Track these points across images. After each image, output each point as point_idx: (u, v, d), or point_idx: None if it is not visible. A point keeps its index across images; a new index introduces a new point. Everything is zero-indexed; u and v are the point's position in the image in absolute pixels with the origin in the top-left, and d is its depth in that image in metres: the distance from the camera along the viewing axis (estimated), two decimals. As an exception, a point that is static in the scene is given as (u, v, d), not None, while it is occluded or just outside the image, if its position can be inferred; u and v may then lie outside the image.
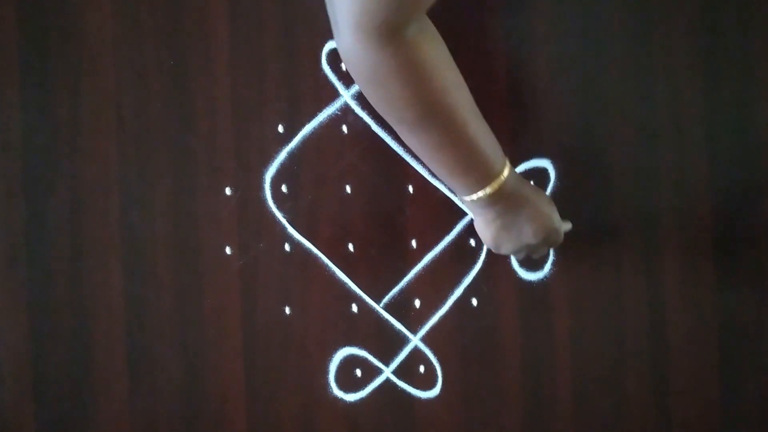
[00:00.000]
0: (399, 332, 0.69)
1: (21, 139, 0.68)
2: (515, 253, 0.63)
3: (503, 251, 0.62)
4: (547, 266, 0.69)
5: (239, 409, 0.68)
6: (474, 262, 0.69)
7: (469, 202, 0.58)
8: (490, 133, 0.56)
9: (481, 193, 0.56)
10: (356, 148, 0.69)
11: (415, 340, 0.69)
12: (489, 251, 0.69)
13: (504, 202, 0.58)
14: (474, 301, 0.69)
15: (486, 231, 0.61)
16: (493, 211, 0.59)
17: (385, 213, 0.69)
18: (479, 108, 0.55)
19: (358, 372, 0.69)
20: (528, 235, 0.60)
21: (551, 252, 0.69)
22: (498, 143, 0.57)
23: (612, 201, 0.70)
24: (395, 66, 0.48)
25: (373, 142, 0.69)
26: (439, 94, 0.51)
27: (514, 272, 0.69)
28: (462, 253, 0.69)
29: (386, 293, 0.69)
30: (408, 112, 0.51)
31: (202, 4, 0.68)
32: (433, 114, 0.51)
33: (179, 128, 0.68)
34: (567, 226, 0.66)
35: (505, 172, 0.57)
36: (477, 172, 0.55)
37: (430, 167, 0.58)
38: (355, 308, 0.69)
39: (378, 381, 0.69)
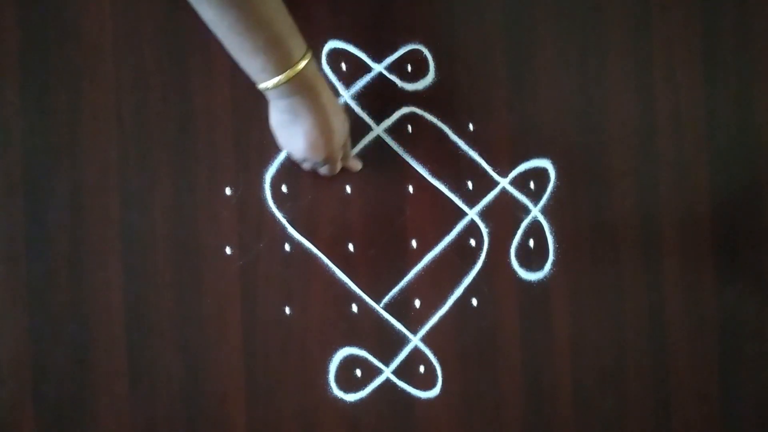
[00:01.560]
0: (399, 332, 0.69)
1: (21, 139, 0.68)
2: (293, 157, 0.63)
3: (280, 146, 0.63)
4: (547, 266, 0.69)
5: (239, 409, 0.68)
6: (474, 262, 0.69)
7: (264, 90, 0.56)
8: (289, 20, 0.54)
9: (270, 83, 0.54)
10: (356, 148, 0.69)
11: (415, 340, 0.69)
12: (489, 251, 0.69)
13: (291, 100, 0.57)
14: (474, 301, 0.69)
15: (271, 122, 0.61)
16: (279, 104, 0.58)
17: (385, 213, 0.69)
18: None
19: (358, 372, 0.69)
20: (298, 146, 0.60)
21: (551, 252, 0.69)
22: (298, 33, 0.55)
23: (612, 201, 0.70)
24: None
25: (373, 142, 0.69)
26: None
27: (514, 272, 0.69)
28: (462, 253, 0.69)
29: (386, 293, 0.69)
30: None
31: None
32: None
33: (179, 128, 0.68)
34: (356, 164, 0.67)
35: (301, 65, 0.54)
36: (272, 57, 0.53)
37: (228, 49, 0.54)
38: (355, 308, 0.69)
39: (378, 381, 0.69)
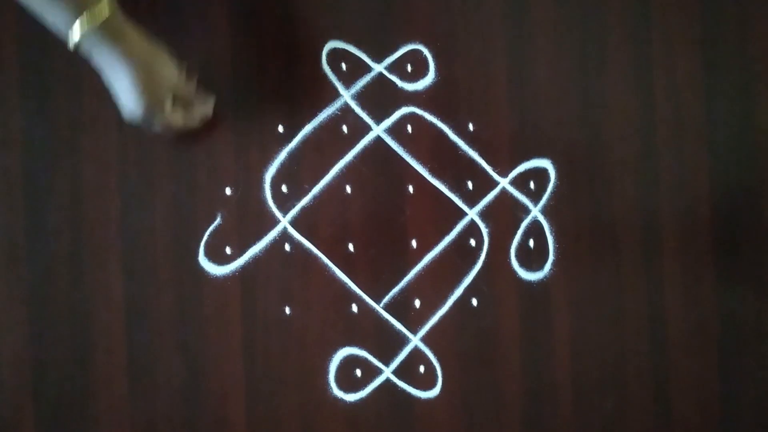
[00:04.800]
0: (399, 332, 0.69)
1: (21, 139, 0.68)
2: (128, 115, 0.60)
3: (123, 113, 0.60)
4: (547, 266, 0.69)
5: (239, 409, 0.68)
6: (474, 262, 0.69)
7: (75, 48, 0.54)
8: None
9: (75, 34, 0.53)
10: (356, 148, 0.69)
11: (415, 340, 0.69)
12: (489, 251, 0.69)
13: (104, 54, 0.55)
14: (474, 301, 0.69)
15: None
16: (96, 64, 0.56)
17: (385, 213, 0.69)
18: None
19: (358, 372, 0.69)
20: (125, 99, 0.58)
21: (551, 252, 0.69)
22: None
23: (612, 201, 0.70)
24: None
25: (373, 142, 0.69)
26: None
27: (514, 272, 0.69)
28: (462, 253, 0.69)
29: (386, 293, 0.69)
30: None
31: (202, 4, 0.68)
32: None
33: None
34: (206, 108, 0.64)
35: (100, 6, 0.53)
36: (65, 3, 0.52)
37: (31, 9, 0.53)
38: (355, 308, 0.69)
39: (378, 381, 0.69)
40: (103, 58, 0.56)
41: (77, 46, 0.55)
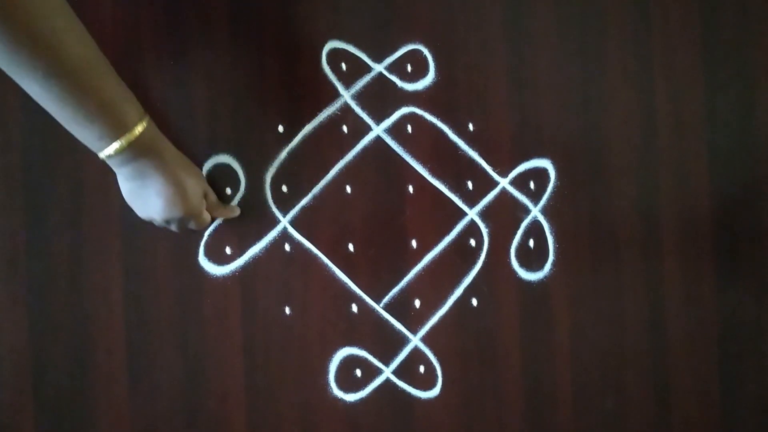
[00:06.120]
0: (399, 332, 0.69)
1: (21, 139, 0.68)
2: (156, 222, 0.63)
3: (140, 216, 0.62)
4: (547, 266, 0.69)
5: (239, 409, 0.68)
6: (474, 262, 0.69)
7: (106, 160, 0.56)
8: (121, 85, 0.55)
9: (110, 150, 0.54)
10: (356, 148, 0.69)
11: (415, 340, 0.69)
12: (489, 251, 0.69)
13: (135, 165, 0.57)
14: (474, 301, 0.69)
15: (123, 194, 0.61)
16: (124, 172, 0.58)
17: (385, 213, 0.69)
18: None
19: (358, 372, 0.69)
20: (155, 209, 0.60)
21: (551, 252, 0.69)
22: (132, 98, 0.56)
23: (612, 201, 0.70)
24: None
25: (373, 142, 0.69)
26: (36, 37, 0.46)
27: (514, 272, 0.69)
28: (462, 253, 0.69)
29: (386, 293, 0.69)
30: (11, 56, 0.47)
31: (202, 5, 0.68)
32: (37, 57, 0.47)
33: (179, 128, 0.67)
34: (234, 211, 0.67)
35: (138, 129, 0.55)
36: (105, 124, 0.53)
37: (62, 122, 0.54)
38: (355, 308, 0.69)
39: (378, 381, 0.69)
40: (135, 169, 0.58)
41: (109, 159, 0.56)
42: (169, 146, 0.61)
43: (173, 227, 0.64)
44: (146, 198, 0.60)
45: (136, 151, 0.56)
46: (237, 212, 0.67)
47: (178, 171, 0.60)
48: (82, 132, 0.54)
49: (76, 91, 0.50)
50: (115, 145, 0.54)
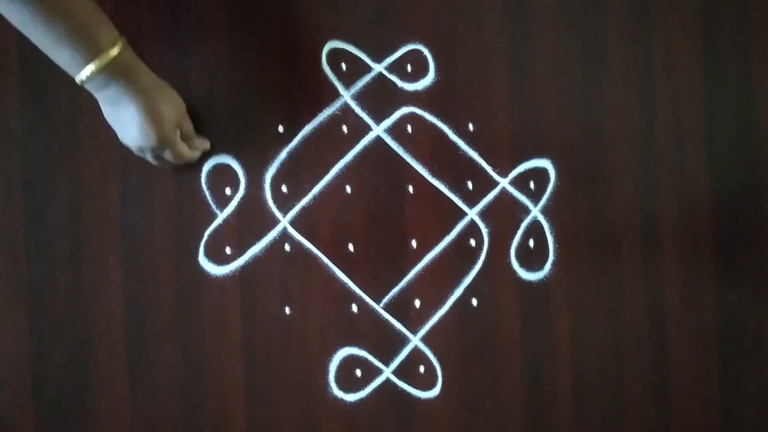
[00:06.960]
0: (399, 332, 0.69)
1: (21, 139, 0.68)
2: (133, 150, 0.62)
3: (122, 141, 0.62)
4: (547, 266, 0.69)
5: (239, 409, 0.68)
6: (474, 262, 0.69)
7: (81, 84, 0.55)
8: (94, 8, 0.54)
9: (86, 72, 0.54)
10: (356, 148, 0.69)
11: (415, 340, 0.69)
12: (489, 251, 0.69)
13: (112, 88, 0.57)
14: (474, 301, 0.69)
15: (105, 117, 0.60)
16: (102, 97, 0.58)
17: (385, 213, 0.69)
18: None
19: (358, 372, 0.69)
20: (129, 133, 0.60)
21: (551, 252, 0.69)
22: (108, 21, 0.55)
23: (612, 201, 0.70)
24: None
25: (373, 142, 0.69)
26: None
27: (514, 272, 0.69)
28: (462, 253, 0.69)
29: (386, 293, 0.69)
30: None
31: (202, 5, 0.68)
32: None
33: (179, 128, 0.67)
34: (204, 143, 0.66)
35: (113, 52, 0.54)
36: (79, 46, 0.53)
37: (37, 44, 0.53)
38: (355, 308, 0.69)
39: (378, 381, 0.69)
40: (113, 94, 0.57)
41: (85, 82, 0.55)
42: (147, 71, 0.59)
43: (149, 157, 0.63)
44: (123, 124, 0.59)
45: (111, 74, 0.55)
46: (207, 145, 0.66)
47: (154, 97, 0.59)
48: (58, 55, 0.54)
49: (49, 12, 0.51)
50: (91, 67, 0.54)
